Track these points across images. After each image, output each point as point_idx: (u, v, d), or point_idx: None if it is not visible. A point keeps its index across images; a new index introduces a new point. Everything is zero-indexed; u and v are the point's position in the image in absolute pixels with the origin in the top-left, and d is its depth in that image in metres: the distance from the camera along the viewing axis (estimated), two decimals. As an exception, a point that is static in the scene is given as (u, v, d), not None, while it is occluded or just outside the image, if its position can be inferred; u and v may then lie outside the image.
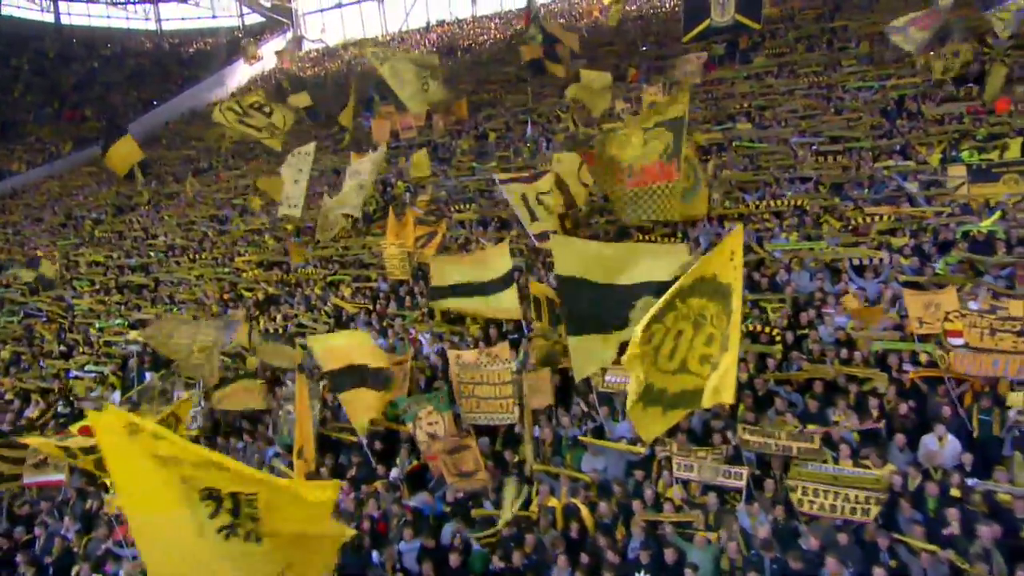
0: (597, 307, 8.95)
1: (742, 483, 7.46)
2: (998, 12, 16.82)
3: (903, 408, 8.00)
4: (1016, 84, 15.34)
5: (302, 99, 27.36)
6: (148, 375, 14.04)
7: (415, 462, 9.73)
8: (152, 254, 22.16)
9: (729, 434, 8.18)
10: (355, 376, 9.47)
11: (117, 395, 14.10)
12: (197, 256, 20.49)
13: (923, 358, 8.42)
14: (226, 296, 17.10)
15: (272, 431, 11.30)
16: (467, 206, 17.69)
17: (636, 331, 7.67)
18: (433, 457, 9.08)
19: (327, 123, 28.75)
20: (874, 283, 10.61)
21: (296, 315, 14.62)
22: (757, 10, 23.65)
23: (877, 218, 11.87)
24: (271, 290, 16.64)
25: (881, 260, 10.78)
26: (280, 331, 14.36)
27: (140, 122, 40.11)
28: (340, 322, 14.05)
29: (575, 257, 9.21)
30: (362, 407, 9.51)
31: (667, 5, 32.82)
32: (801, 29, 23.70)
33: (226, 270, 18.71)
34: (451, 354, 10.23)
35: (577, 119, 20.26)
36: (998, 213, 11.24)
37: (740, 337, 7.63)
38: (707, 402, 7.70)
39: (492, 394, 9.41)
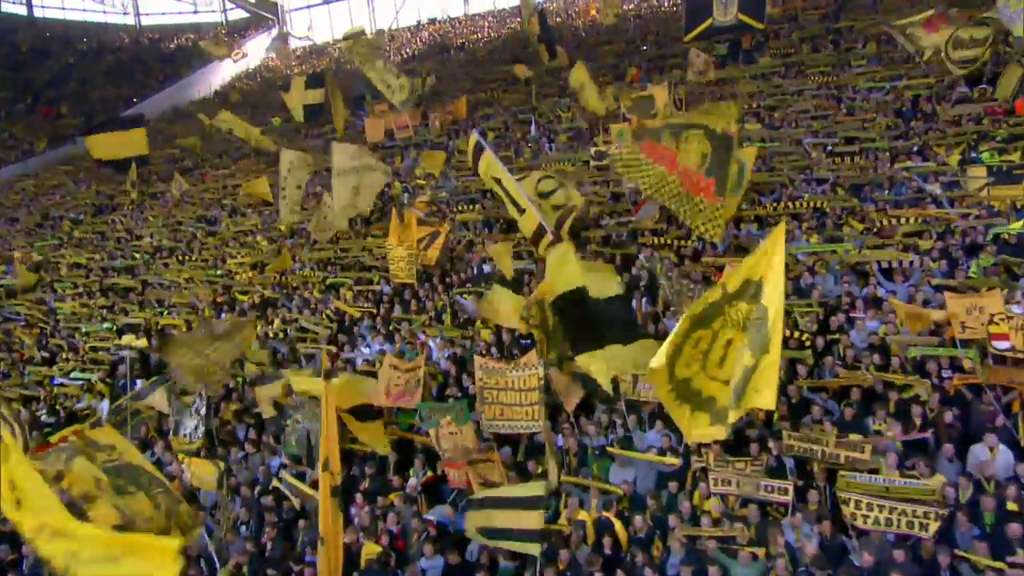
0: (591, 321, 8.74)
1: (788, 498, 7.24)
2: (1010, 10, 16.82)
3: (948, 416, 7.84)
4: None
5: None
6: (139, 382, 13.59)
7: (430, 473, 9.45)
8: (137, 255, 21.64)
9: (771, 443, 7.95)
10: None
11: (106, 404, 13.65)
12: (186, 258, 20.02)
13: (967, 364, 8.25)
14: (219, 299, 16.67)
15: (276, 440, 10.94)
16: (470, 207, 17.42)
17: (671, 336, 7.49)
18: (454, 464, 8.79)
19: (318, 122, 28.36)
20: (904, 286, 10.48)
21: (296, 319, 14.25)
22: (761, 9, 23.59)
23: (903, 220, 11.75)
24: (267, 293, 16.25)
25: (911, 263, 10.64)
26: (280, 336, 14.00)
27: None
28: (343, 326, 13.71)
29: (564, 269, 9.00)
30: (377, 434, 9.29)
31: (666, 4, 32.84)
32: (805, 29, 23.72)
33: (218, 272, 18.27)
34: (478, 360, 9.93)
35: (579, 115, 20.09)
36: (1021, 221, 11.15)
37: (780, 338, 7.47)
38: (747, 404, 7.51)
39: (517, 400, 9.16)
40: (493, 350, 11.46)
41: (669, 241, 13.40)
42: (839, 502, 7.01)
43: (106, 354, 15.54)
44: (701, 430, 7.53)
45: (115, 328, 16.89)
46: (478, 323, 12.60)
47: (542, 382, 9.03)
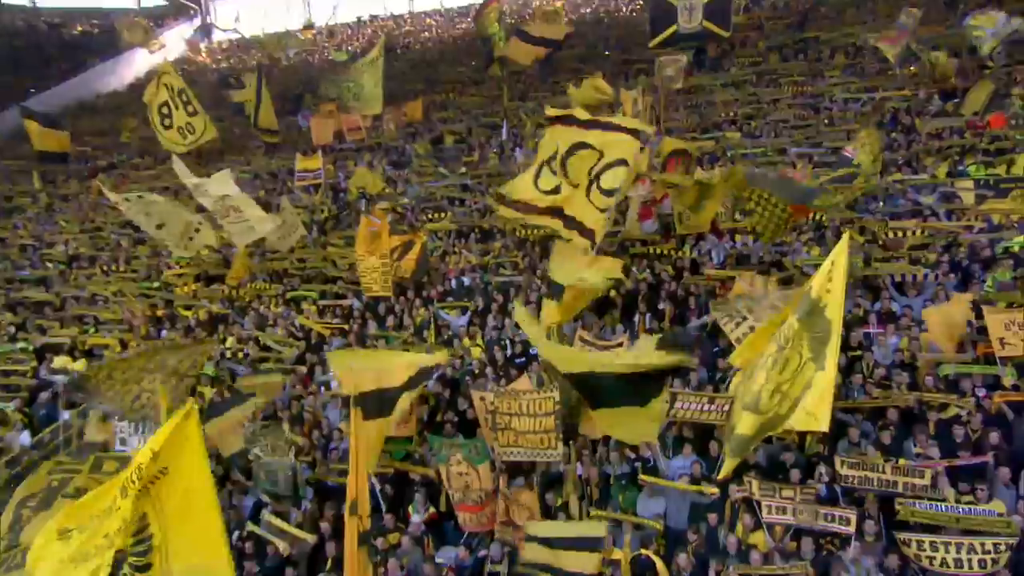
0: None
1: (850, 528, 7.02)
2: (972, 27, 17.69)
3: (993, 437, 7.84)
4: (1013, 99, 16.05)
5: (247, 94, 25.69)
6: (66, 414, 12.30)
7: (432, 510, 8.84)
8: (50, 265, 19.94)
9: (821, 469, 7.75)
10: (383, 403, 8.42)
11: (27, 435, 12.30)
12: (112, 268, 18.55)
13: (1007, 381, 8.31)
14: (159, 313, 15.46)
15: (247, 476, 10.04)
16: (439, 215, 16.86)
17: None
18: (469, 507, 8.22)
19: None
20: (919, 300, 10.60)
21: (256, 337, 13.29)
22: (726, 17, 24.08)
23: (910, 233, 11.96)
24: (215, 308, 15.17)
25: (925, 276, 10.78)
26: (236, 356, 13.03)
27: (5, 116, 36.50)
28: (311, 345, 12.87)
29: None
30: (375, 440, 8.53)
31: (626, 8, 33.23)
32: (772, 38, 24.35)
33: (154, 285, 16.99)
34: (475, 390, 9.42)
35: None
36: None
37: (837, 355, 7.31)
38: (801, 426, 7.33)
39: (532, 427, 8.65)
40: (488, 369, 10.99)
41: (665, 252, 13.25)
42: (899, 544, 6.82)
43: (19, 378, 14.09)
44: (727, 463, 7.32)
45: (31, 348, 15.37)
46: (466, 340, 12.09)
47: (559, 406, 8.57)
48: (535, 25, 27.08)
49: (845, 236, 7.30)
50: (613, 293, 12.06)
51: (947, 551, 6.61)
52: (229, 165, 24.57)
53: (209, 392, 11.80)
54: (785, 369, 7.21)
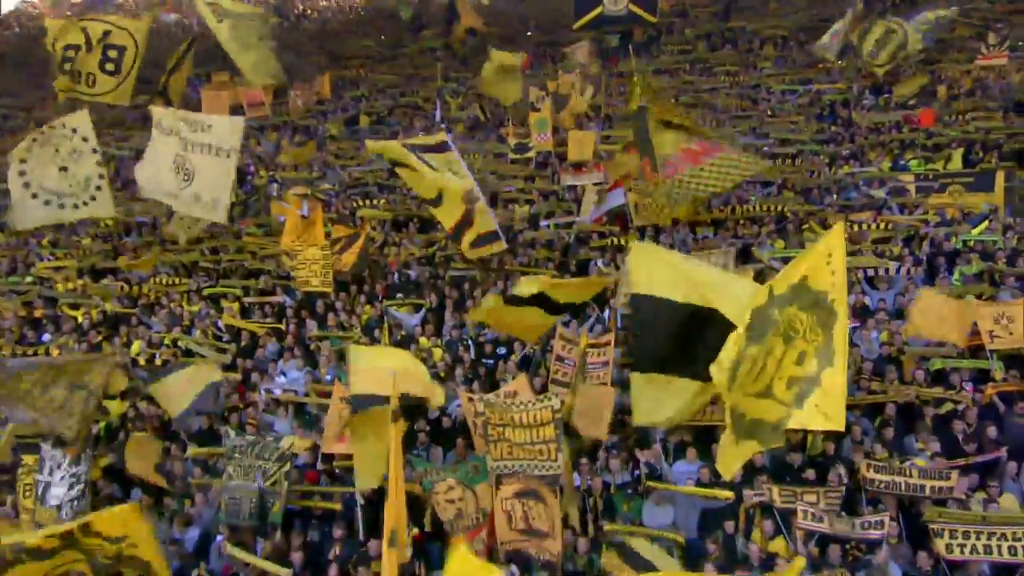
0: (674, 339, 8.25)
1: (884, 531, 7.12)
2: (917, 24, 18.83)
3: (992, 431, 8.22)
4: (949, 97, 17.22)
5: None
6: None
7: (415, 530, 8.27)
8: None
9: (840, 472, 7.84)
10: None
11: None
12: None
13: (998, 374, 8.76)
14: (38, 313, 13.78)
15: (181, 501, 9.06)
16: (369, 202, 16.05)
17: (724, 353, 7.19)
18: (465, 535, 7.74)
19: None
20: (890, 294, 11.04)
21: (176, 340, 12.06)
22: (652, 2, 24.55)
23: (872, 226, 12.46)
24: (110, 307, 13.70)
25: (897, 270, 11.25)
26: (148, 362, 11.80)
27: None
28: (242, 348, 11.86)
29: (655, 269, 8.40)
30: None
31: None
32: (698, 26, 25.00)
33: (27, 279, 15.15)
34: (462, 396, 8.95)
35: (486, 107, 19.46)
36: (984, 223, 12.30)
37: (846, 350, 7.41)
38: (815, 426, 7.42)
39: (528, 438, 8.20)
40: (457, 371, 10.50)
41: (625, 243, 13.17)
42: (932, 535, 7.00)
43: None
44: (730, 452, 7.29)
45: None
46: (423, 340, 11.51)
47: (558, 414, 8.22)
48: None
49: (839, 226, 7.40)
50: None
51: (978, 539, 6.85)
52: (103, 141, 22.56)
53: (118, 407, 10.61)
54: (800, 361, 7.25)
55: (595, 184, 14.19)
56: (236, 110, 22.91)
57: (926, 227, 12.46)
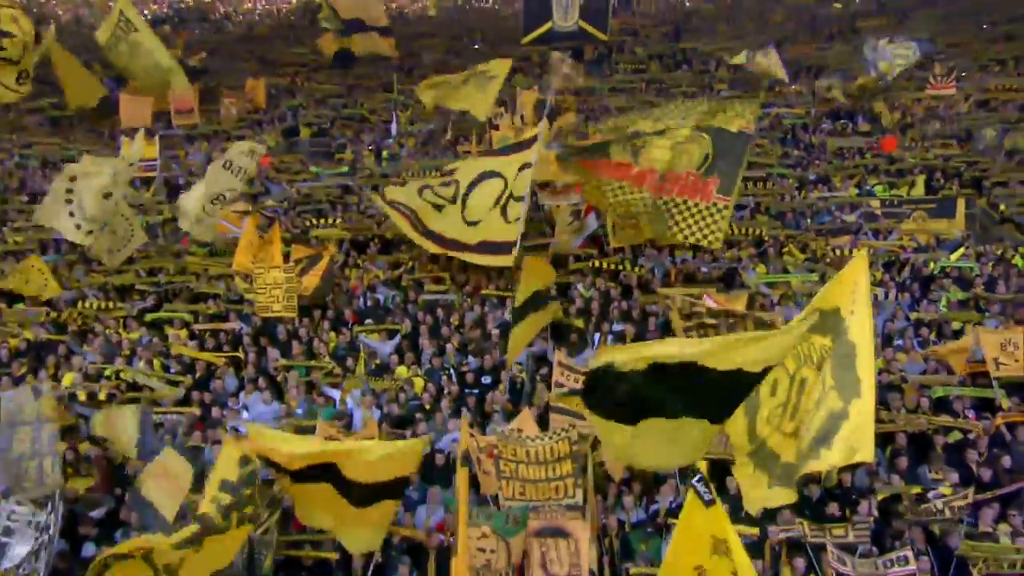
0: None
1: (910, 567, 7.22)
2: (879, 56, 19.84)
3: (1006, 460, 8.52)
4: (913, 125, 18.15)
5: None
6: None
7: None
8: None
9: (872, 502, 7.94)
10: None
11: None
12: None
13: (1004, 403, 9.11)
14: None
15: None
16: (324, 220, 15.50)
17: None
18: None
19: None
20: (880, 320, 11.38)
21: (110, 372, 11.21)
22: (603, 20, 25.06)
23: (851, 251, 12.87)
24: (30, 335, 12.66)
25: (886, 296, 11.64)
26: (87, 398, 10.92)
27: None
28: (197, 380, 11.13)
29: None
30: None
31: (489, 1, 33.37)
32: (649, 46, 25.60)
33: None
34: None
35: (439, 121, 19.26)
36: (960, 249, 12.92)
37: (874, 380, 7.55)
38: (845, 461, 7.46)
39: (543, 475, 8.01)
40: (443, 403, 10.19)
41: (610, 266, 13.19)
42: (969, 566, 7.15)
43: None
44: (760, 492, 7.30)
45: None
46: (401, 369, 11.14)
47: (576, 447, 8.05)
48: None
49: (862, 253, 7.55)
50: (560, 315, 11.81)
51: (1011, 569, 7.06)
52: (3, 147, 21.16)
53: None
54: (810, 395, 7.32)
55: (571, 205, 14.13)
56: (161, 117, 22.06)
57: (906, 253, 12.96)
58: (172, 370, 11.42)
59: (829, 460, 7.10)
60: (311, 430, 9.74)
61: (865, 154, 17.26)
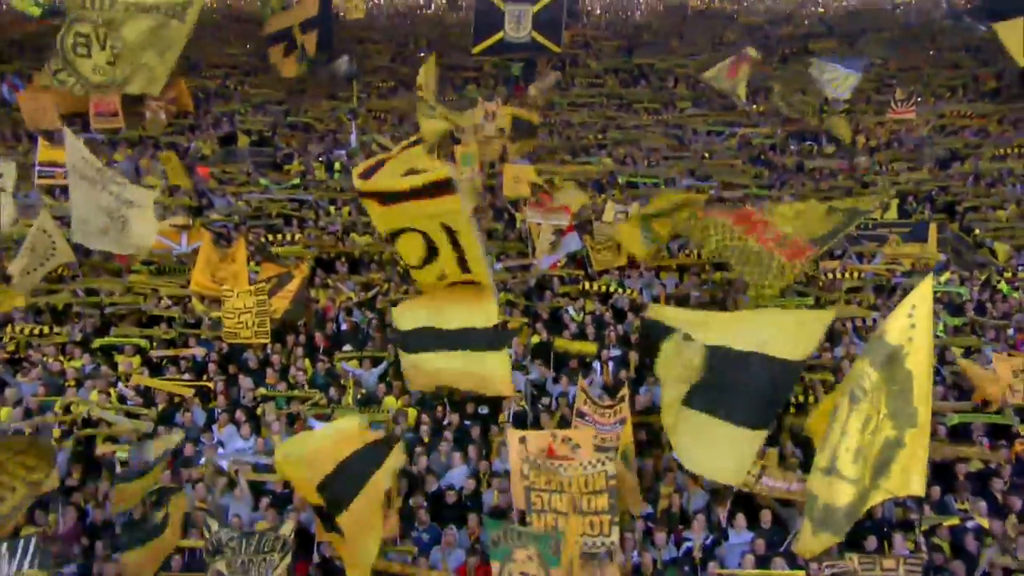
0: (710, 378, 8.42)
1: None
2: (828, 72, 20.76)
3: (1031, 488, 8.95)
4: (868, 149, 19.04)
5: None
6: None
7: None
8: None
9: (920, 538, 8.16)
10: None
11: None
12: None
13: (1022, 429, 9.56)
14: None
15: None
16: (280, 236, 15.00)
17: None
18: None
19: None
20: (881, 346, 11.81)
21: (61, 404, 10.44)
22: (557, 31, 25.34)
23: (847, 275, 13.36)
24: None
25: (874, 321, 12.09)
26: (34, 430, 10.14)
27: None
28: (161, 414, 10.51)
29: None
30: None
31: (434, 3, 33.17)
32: (603, 60, 26.05)
33: None
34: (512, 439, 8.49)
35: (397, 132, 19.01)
36: (947, 273, 13.57)
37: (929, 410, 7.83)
38: (900, 492, 7.75)
39: (578, 507, 7.96)
40: (445, 433, 10.00)
41: (598, 288, 13.25)
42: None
43: None
44: (809, 542, 7.48)
45: None
46: (390, 399, 10.84)
47: (612, 481, 8.01)
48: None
49: (927, 281, 7.88)
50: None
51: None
52: None
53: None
54: (865, 428, 7.55)
55: (554, 224, 14.18)
56: (69, 118, 20.89)
57: (896, 277, 13.51)
58: (130, 402, 10.79)
59: (889, 490, 7.31)
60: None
61: (837, 176, 17.98)
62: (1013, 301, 12.87)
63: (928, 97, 22.59)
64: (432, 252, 10.02)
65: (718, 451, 8.44)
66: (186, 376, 11.24)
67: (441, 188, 9.43)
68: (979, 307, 12.82)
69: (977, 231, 15.52)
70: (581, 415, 9.49)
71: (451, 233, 9.84)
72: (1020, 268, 14.03)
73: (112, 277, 13.86)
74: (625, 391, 9.70)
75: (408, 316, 10.38)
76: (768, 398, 8.53)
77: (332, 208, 16.55)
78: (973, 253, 15.44)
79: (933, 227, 15.18)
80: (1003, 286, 13.30)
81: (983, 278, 13.59)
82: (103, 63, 20.37)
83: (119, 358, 11.70)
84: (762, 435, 8.44)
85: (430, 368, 10.19)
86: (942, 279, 13.43)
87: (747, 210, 13.13)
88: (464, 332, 9.94)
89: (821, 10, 31.62)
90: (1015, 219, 15.91)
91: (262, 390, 10.75)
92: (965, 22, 29.04)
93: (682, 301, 13.12)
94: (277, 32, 24.09)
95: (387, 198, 9.56)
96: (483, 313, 10.05)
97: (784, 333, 8.74)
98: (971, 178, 17.75)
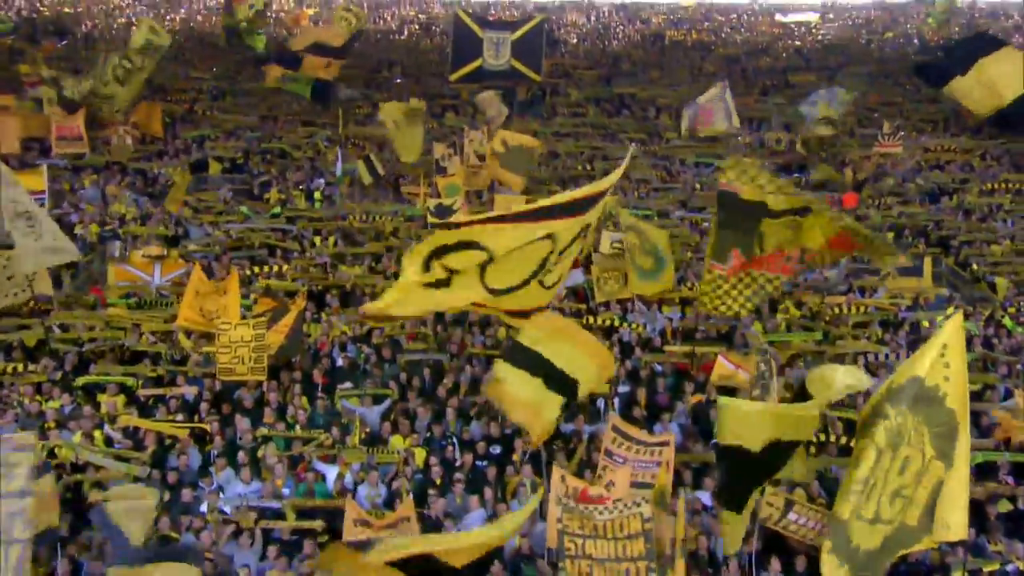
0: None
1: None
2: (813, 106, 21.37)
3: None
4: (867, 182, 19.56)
5: None
6: None
7: None
8: None
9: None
10: None
11: None
12: None
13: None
14: None
15: None
16: (264, 268, 14.81)
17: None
18: None
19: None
20: (894, 382, 12.03)
21: (45, 448, 10.04)
22: (537, 60, 25.61)
23: (852, 309, 13.62)
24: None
25: (897, 356, 12.33)
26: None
27: None
28: (154, 457, 10.20)
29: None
30: None
31: (407, 29, 33.33)
32: (584, 89, 26.42)
33: None
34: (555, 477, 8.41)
35: (377, 160, 18.94)
36: (950, 308, 13.91)
37: (968, 453, 7.99)
38: (942, 538, 7.84)
39: (613, 553, 7.90)
40: (457, 475, 9.91)
41: (601, 322, 13.30)
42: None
43: None
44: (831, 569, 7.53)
45: None
46: (397, 440, 10.70)
47: (648, 524, 7.97)
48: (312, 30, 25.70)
49: (958, 317, 8.09)
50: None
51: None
52: None
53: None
54: (907, 470, 7.67)
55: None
56: (32, 143, 20.50)
57: (902, 311, 13.81)
58: (118, 445, 10.46)
59: (935, 535, 7.40)
60: (311, 513, 9.24)
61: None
62: (1020, 336, 13.23)
63: (910, 131, 23.30)
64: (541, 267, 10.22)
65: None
66: (180, 417, 10.95)
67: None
68: (985, 342, 13.16)
69: (976, 266, 15.96)
70: (610, 454, 9.44)
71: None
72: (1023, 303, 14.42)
73: (87, 311, 13.51)
74: (670, 437, 9.70)
75: (532, 334, 10.11)
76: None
77: (317, 239, 16.41)
78: (971, 288, 15.93)
79: (928, 260, 15.63)
80: (1007, 321, 13.67)
81: (986, 313, 13.95)
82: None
83: (102, 398, 11.38)
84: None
85: (509, 384, 9.83)
86: (947, 313, 13.75)
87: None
88: (561, 373, 9.73)
89: (798, 43, 32.54)
90: (1010, 254, 16.40)
91: (263, 430, 10.52)
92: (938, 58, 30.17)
93: (688, 335, 13.27)
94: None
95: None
96: (596, 374, 10.02)
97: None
98: (961, 213, 18.31)
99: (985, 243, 16.92)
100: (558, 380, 9.75)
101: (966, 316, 13.76)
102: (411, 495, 9.36)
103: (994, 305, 14.28)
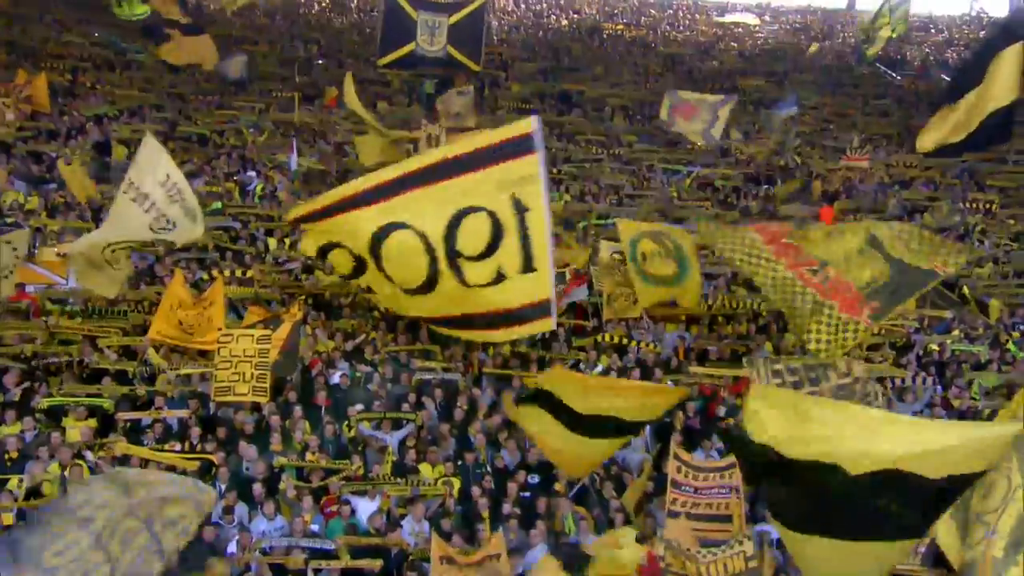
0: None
1: None
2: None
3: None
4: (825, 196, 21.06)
5: None
6: None
7: None
8: None
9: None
10: None
11: None
12: None
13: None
14: None
15: None
16: (222, 274, 14.43)
17: None
18: None
19: None
20: (918, 406, 13.12)
21: (13, 484, 9.57)
22: (476, 48, 26.00)
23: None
24: None
25: (922, 380, 13.44)
26: None
27: None
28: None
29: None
30: None
31: (315, 4, 32.87)
32: (525, 83, 26.99)
33: None
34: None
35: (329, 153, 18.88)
36: (955, 331, 15.28)
37: None
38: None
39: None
40: (505, 507, 10.23)
41: (613, 340, 13.80)
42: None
43: None
44: None
45: None
46: (427, 468, 10.84)
47: (752, 563, 8.44)
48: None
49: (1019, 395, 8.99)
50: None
51: None
52: None
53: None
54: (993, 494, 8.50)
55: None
56: None
57: (915, 335, 15.03)
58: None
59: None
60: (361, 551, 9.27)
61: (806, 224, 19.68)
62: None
63: (866, 145, 25.17)
64: (496, 240, 10.21)
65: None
66: (177, 447, 10.64)
67: (520, 147, 9.82)
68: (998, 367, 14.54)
69: (967, 288, 17.47)
70: (676, 485, 9.85)
71: (521, 212, 10.05)
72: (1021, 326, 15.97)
73: (23, 320, 12.80)
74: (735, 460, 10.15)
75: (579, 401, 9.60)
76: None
77: (272, 239, 16.14)
78: (960, 309, 17.43)
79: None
80: (1011, 346, 15.13)
81: (989, 338, 15.37)
82: None
83: (67, 422, 10.89)
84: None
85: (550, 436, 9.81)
86: (953, 337, 15.11)
87: (776, 229, 13.35)
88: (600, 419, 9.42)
89: (738, 45, 34.43)
90: (995, 276, 18.08)
91: (282, 460, 10.38)
92: (879, 69, 32.60)
93: (701, 357, 13.98)
94: None
95: (452, 168, 9.85)
96: (649, 409, 9.63)
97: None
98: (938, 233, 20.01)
99: (968, 264, 18.52)
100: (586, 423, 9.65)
101: (970, 340, 15.30)
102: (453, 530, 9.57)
103: (997, 328, 15.70)
